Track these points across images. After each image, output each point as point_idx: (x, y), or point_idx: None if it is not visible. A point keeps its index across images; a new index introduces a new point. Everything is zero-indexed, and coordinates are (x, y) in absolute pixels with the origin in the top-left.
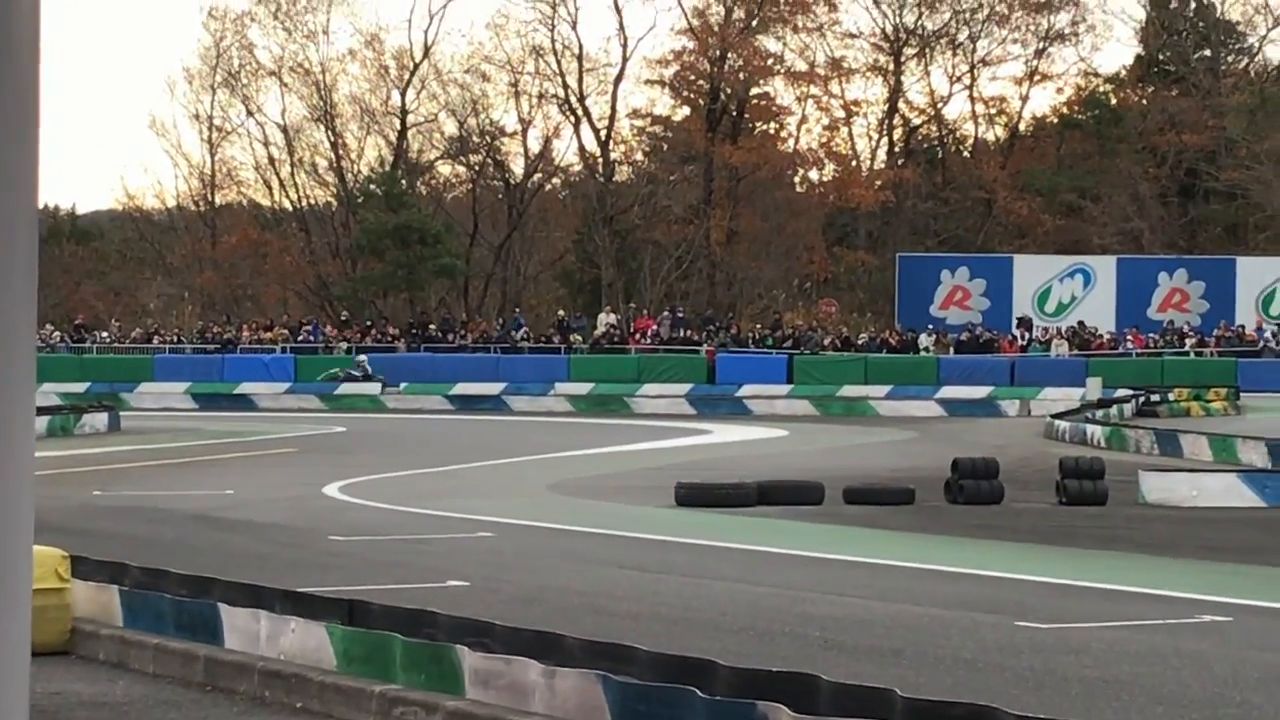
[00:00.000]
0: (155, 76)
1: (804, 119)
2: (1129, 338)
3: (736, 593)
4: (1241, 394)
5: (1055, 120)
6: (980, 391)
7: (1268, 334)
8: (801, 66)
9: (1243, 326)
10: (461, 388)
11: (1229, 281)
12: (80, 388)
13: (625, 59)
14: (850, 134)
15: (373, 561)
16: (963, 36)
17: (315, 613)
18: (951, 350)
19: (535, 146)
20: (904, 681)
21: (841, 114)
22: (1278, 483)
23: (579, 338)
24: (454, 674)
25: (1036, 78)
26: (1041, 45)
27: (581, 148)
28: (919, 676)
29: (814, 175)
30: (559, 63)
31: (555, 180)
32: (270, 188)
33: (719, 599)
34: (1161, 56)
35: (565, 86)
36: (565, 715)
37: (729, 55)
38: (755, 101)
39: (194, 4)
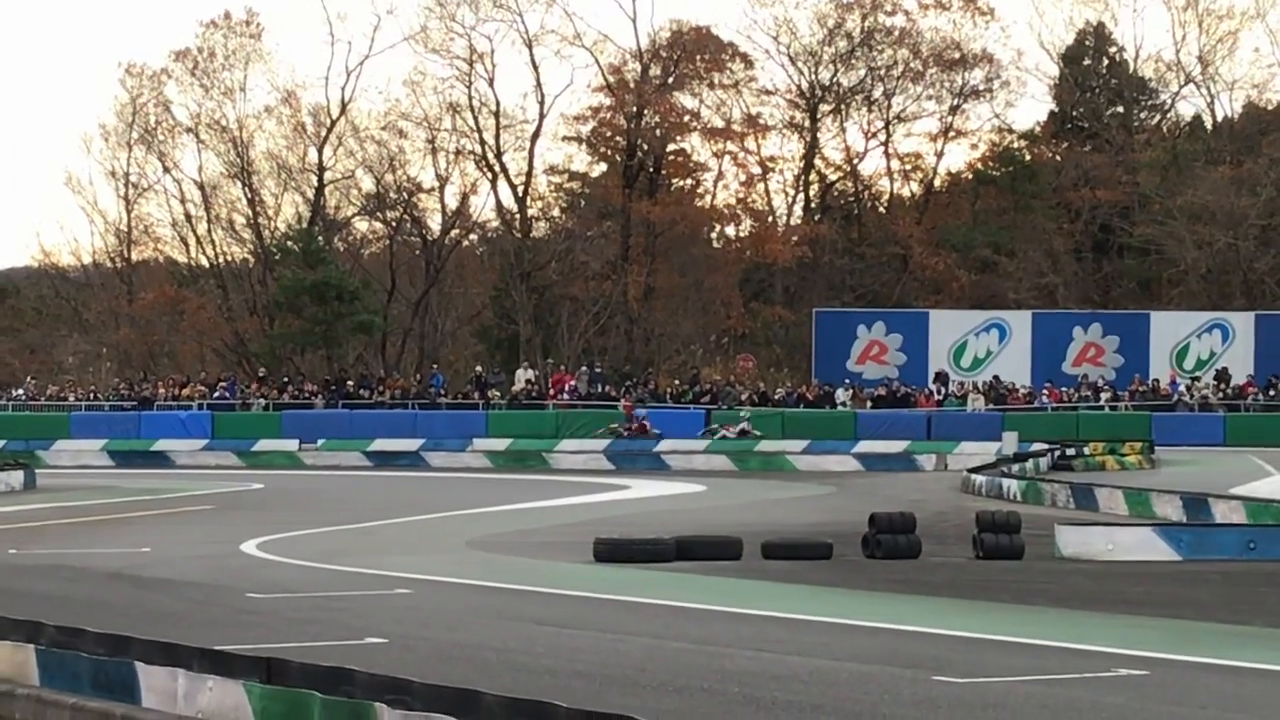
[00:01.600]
0: (71, 133)
1: (720, 175)
2: (1044, 392)
3: (655, 648)
4: (1156, 447)
5: (970, 176)
6: (897, 446)
7: (1181, 388)
8: (718, 123)
9: (1157, 380)
10: (379, 444)
11: (1143, 336)
12: None
13: (542, 115)
14: (767, 190)
15: (290, 619)
16: (878, 93)
17: (233, 671)
18: (868, 405)
19: (452, 203)
20: None
21: (758, 170)
22: (1193, 536)
23: (497, 393)
24: None
25: (951, 134)
26: (956, 102)
27: (499, 204)
28: None
29: (731, 231)
30: (476, 119)
31: (473, 236)
32: (187, 244)
33: (637, 655)
34: (1075, 113)
35: (482, 143)
36: None
37: (645, 112)
38: (672, 158)
39: (110, 61)
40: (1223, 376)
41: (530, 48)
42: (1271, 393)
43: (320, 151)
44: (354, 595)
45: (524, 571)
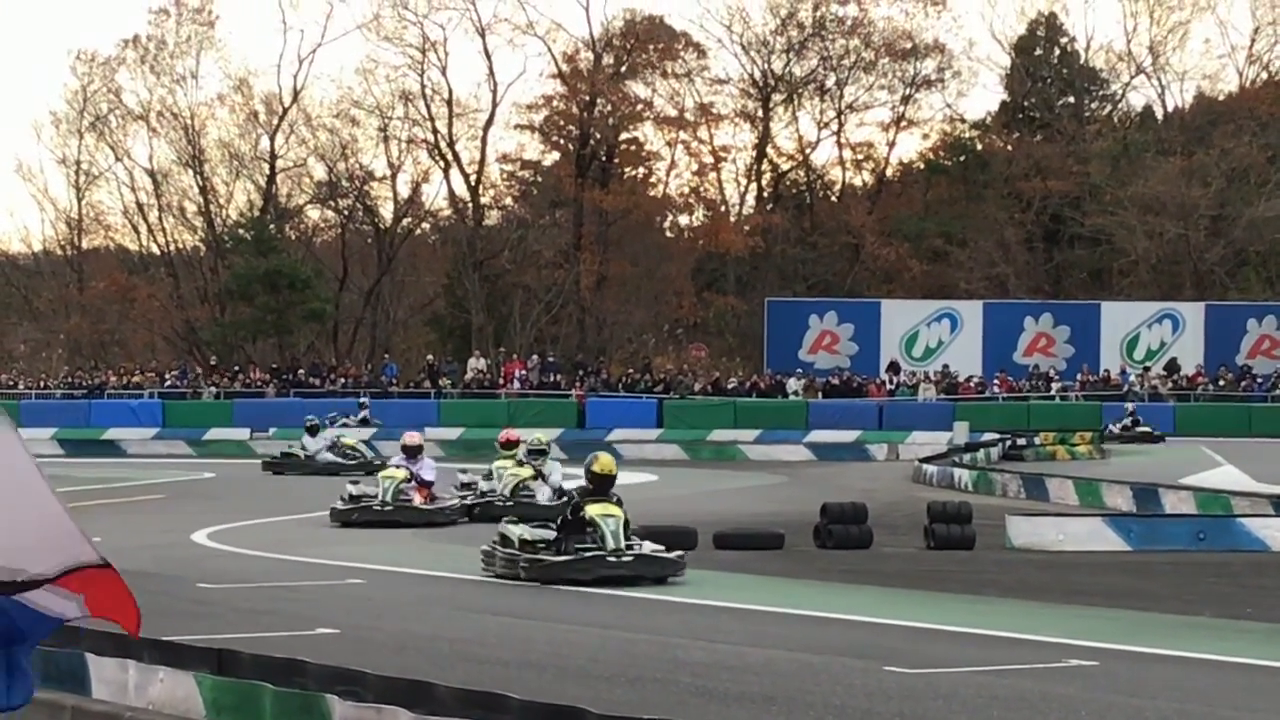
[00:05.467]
0: (21, 121)
1: (673, 164)
2: (996, 382)
3: (608, 639)
4: (1106, 438)
5: (922, 166)
6: (849, 435)
7: (1131, 378)
8: (671, 112)
9: (1107, 371)
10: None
11: (1094, 326)
12: None
13: (495, 104)
14: (719, 179)
15: (242, 609)
16: (830, 83)
17: (184, 662)
18: (820, 394)
19: (405, 191)
20: None
21: (710, 159)
22: (1143, 527)
23: (449, 382)
24: None
25: (903, 124)
26: (908, 92)
27: (451, 192)
28: None
29: (683, 220)
30: (429, 108)
31: (425, 225)
32: (138, 232)
33: (590, 646)
34: (1026, 103)
35: (435, 131)
36: None
37: (598, 101)
38: (624, 147)
39: (61, 48)
40: (1172, 367)
41: (483, 36)
42: (1221, 383)
43: (272, 139)
44: (306, 585)
45: (476, 562)
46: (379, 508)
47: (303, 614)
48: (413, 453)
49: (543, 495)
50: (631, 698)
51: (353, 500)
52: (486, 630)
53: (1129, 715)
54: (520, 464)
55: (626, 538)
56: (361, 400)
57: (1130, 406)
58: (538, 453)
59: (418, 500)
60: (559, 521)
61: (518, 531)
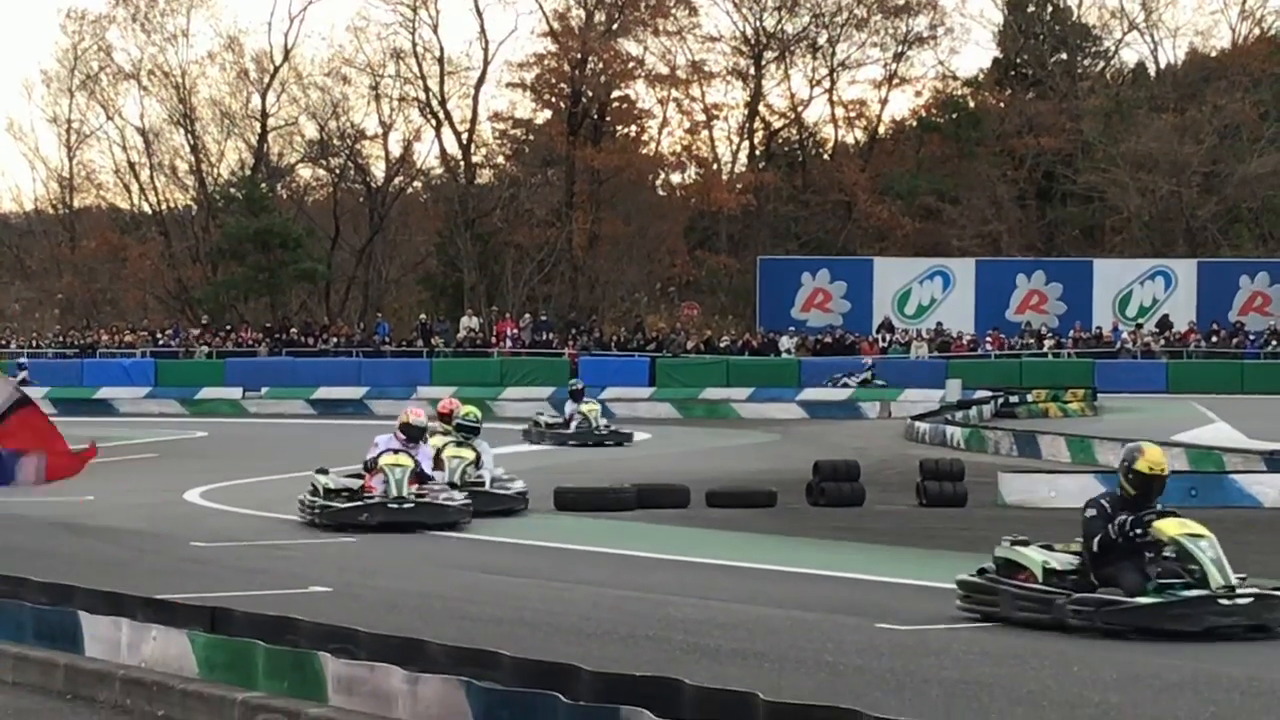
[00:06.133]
0: (12, 80)
1: (665, 122)
2: (988, 339)
3: (600, 597)
4: (1098, 395)
5: (914, 123)
6: (841, 394)
7: (1124, 335)
8: (663, 70)
9: (1100, 328)
10: (323, 392)
11: (1086, 283)
12: None
13: (486, 62)
14: (711, 137)
15: (234, 567)
16: (822, 40)
17: (177, 620)
18: (812, 352)
19: (396, 150)
20: (766, 684)
21: (703, 117)
22: None
23: (441, 341)
24: (317, 681)
25: (895, 81)
26: (900, 49)
27: (443, 151)
28: (781, 679)
29: (676, 178)
30: (420, 66)
31: (417, 184)
32: (130, 191)
33: (582, 603)
34: (1019, 60)
35: (426, 90)
36: None
37: (590, 58)
38: (616, 105)
39: (51, 6)
40: (1165, 323)
41: None
42: (1214, 339)
43: (263, 98)
44: (298, 544)
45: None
46: (393, 505)
47: (295, 572)
48: (416, 434)
49: (486, 479)
50: (624, 655)
51: (332, 495)
52: (478, 588)
53: (1119, 670)
54: (459, 445)
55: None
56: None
57: (869, 360)
58: (472, 430)
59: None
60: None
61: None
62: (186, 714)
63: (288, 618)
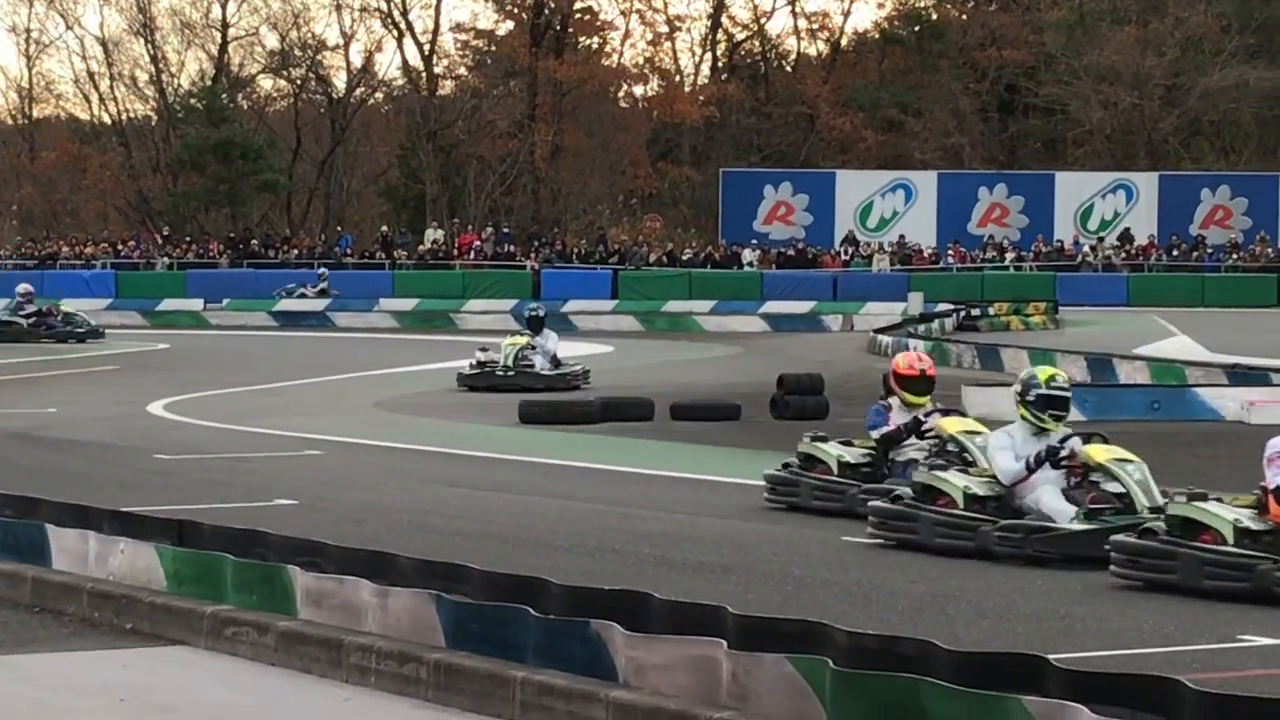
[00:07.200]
0: None
1: (628, 34)
2: (950, 252)
3: (566, 510)
4: (1060, 308)
5: (877, 36)
6: (804, 306)
7: (1085, 249)
8: None
9: (1061, 241)
10: (285, 304)
11: (1048, 196)
12: None
13: None
14: (674, 49)
15: (199, 480)
16: None
17: (145, 533)
18: (775, 265)
19: (358, 61)
20: (734, 598)
21: (665, 29)
22: (1098, 396)
23: (404, 253)
24: (286, 594)
25: None
26: None
27: (405, 62)
28: (749, 592)
29: (638, 90)
30: None
31: (378, 95)
32: (89, 102)
33: (549, 516)
34: None
35: (388, 0)
36: (398, 635)
37: None
38: (579, 16)
39: None
40: (1126, 237)
41: None
42: (1175, 253)
43: (224, 8)
44: (263, 457)
45: (432, 433)
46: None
47: (261, 485)
48: (536, 325)
49: (539, 363)
50: (591, 568)
51: (479, 365)
52: (445, 501)
53: (1084, 582)
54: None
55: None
56: (321, 271)
57: (323, 271)
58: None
59: (539, 365)
60: None
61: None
62: (155, 627)
63: (256, 531)
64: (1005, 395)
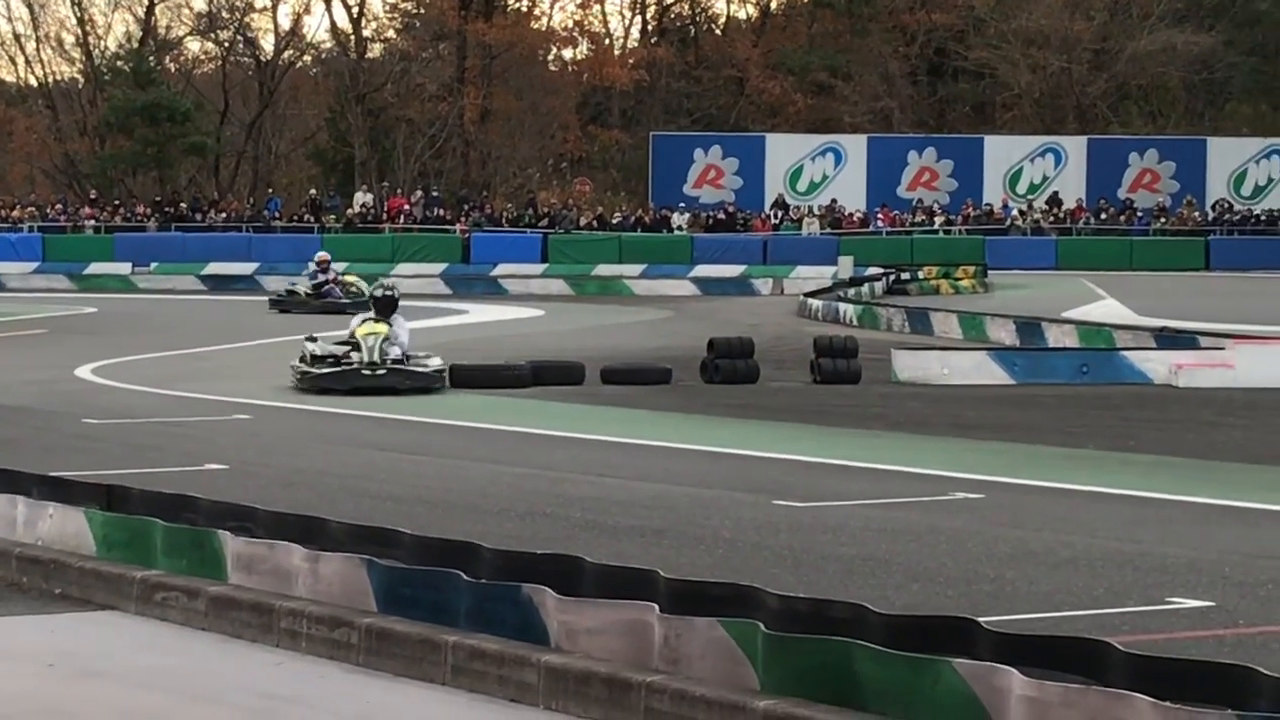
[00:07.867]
0: None
1: None
2: (879, 216)
3: (497, 474)
4: (989, 272)
5: None
6: (734, 270)
7: (1014, 212)
8: None
9: (990, 205)
10: (214, 268)
11: (977, 160)
12: None
13: None
14: (604, 12)
15: (128, 444)
16: None
17: (73, 498)
18: (705, 229)
19: (286, 23)
20: (666, 561)
21: None
22: (1026, 360)
23: (333, 217)
24: (216, 559)
25: None
26: None
27: (333, 24)
28: (680, 556)
29: (568, 54)
30: None
31: (306, 58)
32: (15, 64)
33: (480, 481)
34: None
35: None
36: (329, 599)
37: None
38: None
39: None
40: (1055, 200)
41: None
42: (1103, 216)
43: None
44: (192, 421)
45: (365, 398)
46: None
47: (190, 450)
48: (388, 307)
49: (398, 355)
50: (522, 532)
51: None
52: (375, 465)
53: (1014, 546)
54: (375, 320)
55: (386, 354)
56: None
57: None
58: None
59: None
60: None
61: (311, 348)
62: (84, 592)
63: (186, 495)
64: (935, 359)
